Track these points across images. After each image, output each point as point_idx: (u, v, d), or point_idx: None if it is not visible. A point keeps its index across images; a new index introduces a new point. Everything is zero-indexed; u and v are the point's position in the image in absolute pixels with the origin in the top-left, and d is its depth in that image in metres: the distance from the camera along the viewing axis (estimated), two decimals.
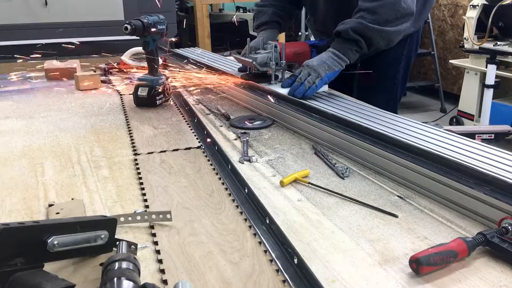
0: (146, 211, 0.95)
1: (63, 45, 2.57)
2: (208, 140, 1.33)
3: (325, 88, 1.59)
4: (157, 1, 3.17)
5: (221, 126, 1.51)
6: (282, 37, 4.69)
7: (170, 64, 2.25)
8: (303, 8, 2.09)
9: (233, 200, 1.00)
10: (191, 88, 1.88)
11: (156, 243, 0.84)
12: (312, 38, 2.60)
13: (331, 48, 1.57)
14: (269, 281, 0.74)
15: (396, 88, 1.89)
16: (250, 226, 0.90)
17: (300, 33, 5.09)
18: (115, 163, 1.21)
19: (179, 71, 2.03)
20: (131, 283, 0.66)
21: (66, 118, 1.60)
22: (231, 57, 2.14)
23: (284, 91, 1.54)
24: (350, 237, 0.87)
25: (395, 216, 0.93)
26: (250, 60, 1.64)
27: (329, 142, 1.30)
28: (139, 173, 1.13)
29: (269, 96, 1.57)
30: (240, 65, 1.85)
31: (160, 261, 0.79)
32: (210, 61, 2.13)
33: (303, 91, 1.49)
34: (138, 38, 1.63)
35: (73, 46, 2.42)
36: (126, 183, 1.10)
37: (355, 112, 1.34)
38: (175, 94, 1.85)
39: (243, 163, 1.21)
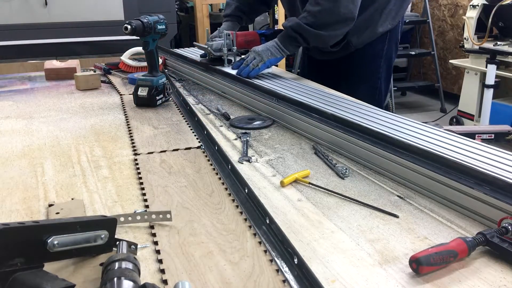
0: (146, 211, 0.95)
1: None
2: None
3: (270, 70, 1.86)
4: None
5: (221, 126, 1.51)
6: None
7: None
8: (274, 7, 2.33)
9: (233, 200, 1.00)
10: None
11: (156, 243, 0.84)
12: None
13: (276, 39, 1.81)
14: (269, 281, 0.74)
15: (380, 83, 1.99)
16: (250, 226, 0.90)
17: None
18: (115, 163, 1.21)
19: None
20: (131, 283, 0.66)
21: (66, 118, 1.60)
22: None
23: (234, 72, 1.81)
24: (350, 237, 0.87)
25: (396, 216, 0.94)
26: (207, 46, 1.94)
27: (329, 142, 1.30)
28: (139, 173, 1.13)
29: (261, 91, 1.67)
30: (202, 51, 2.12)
31: (160, 261, 0.79)
32: (187, 53, 2.32)
33: (248, 72, 1.75)
34: (138, 38, 1.63)
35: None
36: (126, 183, 1.10)
37: (355, 112, 1.34)
38: (175, 94, 1.85)
39: (242, 163, 1.21)
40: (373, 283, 0.74)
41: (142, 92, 1.68)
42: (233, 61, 1.95)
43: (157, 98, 1.68)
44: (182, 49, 2.52)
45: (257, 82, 1.69)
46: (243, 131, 1.44)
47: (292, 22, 1.75)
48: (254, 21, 2.35)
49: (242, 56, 1.91)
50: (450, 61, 4.47)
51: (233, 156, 1.25)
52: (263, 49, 1.78)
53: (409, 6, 4.67)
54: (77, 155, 1.27)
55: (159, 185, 1.07)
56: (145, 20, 1.59)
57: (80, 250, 0.75)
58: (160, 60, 2.00)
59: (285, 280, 0.74)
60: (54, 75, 2.18)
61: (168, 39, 4.11)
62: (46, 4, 3.61)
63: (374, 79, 1.98)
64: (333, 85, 1.91)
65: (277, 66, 2.05)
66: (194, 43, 2.17)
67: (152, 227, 0.89)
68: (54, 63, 2.24)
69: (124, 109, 1.68)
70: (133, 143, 1.34)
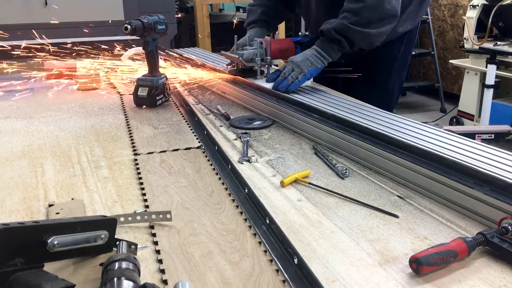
0: (146, 211, 0.95)
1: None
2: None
3: (308, 83, 1.66)
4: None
5: (221, 126, 1.51)
6: (282, 36, 4.70)
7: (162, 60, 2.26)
8: (296, 10, 2.14)
9: (233, 200, 1.00)
10: (181, 83, 1.95)
11: (156, 243, 0.84)
12: None
13: (314, 46, 1.63)
14: (269, 281, 0.74)
15: (392, 86, 1.91)
16: (250, 226, 0.90)
17: (300, 33, 5.10)
18: (115, 163, 1.21)
19: (170, 67, 2.08)
20: (131, 283, 0.66)
21: (66, 118, 1.60)
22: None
23: (269, 86, 1.61)
24: (350, 237, 0.87)
25: (396, 216, 0.93)
26: (237, 56, 1.72)
27: (329, 142, 1.30)
28: (139, 173, 1.13)
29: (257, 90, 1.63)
30: (229, 61, 1.92)
31: (160, 261, 0.79)
32: (203, 58, 2.17)
33: (286, 86, 1.55)
34: (138, 38, 1.63)
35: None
36: (126, 183, 1.10)
37: (355, 112, 1.34)
38: (175, 94, 1.85)
39: (242, 163, 1.21)
40: (373, 283, 0.74)
41: (142, 92, 1.68)
42: (265, 72, 1.76)
43: (157, 98, 1.68)
44: (182, 49, 2.52)
45: (295, 97, 1.51)
46: (243, 131, 1.44)
47: (334, 24, 1.57)
48: (278, 28, 2.13)
49: (278, 68, 1.71)
50: (450, 61, 4.46)
51: (233, 156, 1.25)
52: (302, 59, 1.59)
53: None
54: (77, 155, 1.27)
55: (159, 185, 1.07)
56: (145, 20, 1.59)
57: (80, 250, 0.75)
58: (160, 60, 1.99)
59: (285, 280, 0.74)
60: (54, 75, 2.18)
61: (168, 39, 4.11)
62: (46, 4, 3.61)
63: (387, 82, 1.90)
64: (345, 87, 1.84)
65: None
66: (222, 52, 1.91)
67: (152, 227, 0.89)
68: (54, 63, 2.24)
69: (124, 109, 1.68)
70: (133, 143, 1.34)
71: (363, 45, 1.64)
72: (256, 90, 1.65)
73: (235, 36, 1.84)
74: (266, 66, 1.75)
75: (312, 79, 1.67)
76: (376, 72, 1.88)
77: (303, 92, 1.59)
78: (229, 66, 1.91)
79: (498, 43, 3.75)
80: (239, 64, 1.77)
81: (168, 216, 0.90)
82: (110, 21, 3.63)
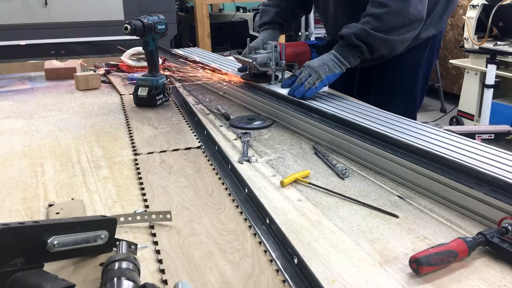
0: (146, 211, 0.95)
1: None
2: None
3: (325, 88, 1.58)
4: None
5: (221, 126, 1.51)
6: (281, 37, 4.70)
7: (168, 64, 2.25)
8: (312, 11, 2.06)
9: (233, 200, 1.00)
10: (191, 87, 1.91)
11: (156, 243, 0.84)
12: (312, 38, 2.58)
13: (333, 51, 1.55)
14: (269, 281, 0.74)
15: (415, 94, 1.82)
16: (250, 226, 0.90)
17: (300, 33, 5.10)
18: (115, 163, 1.21)
19: (179, 71, 2.04)
20: (131, 283, 0.66)
21: (66, 118, 1.60)
22: (231, 57, 2.16)
23: (284, 91, 1.54)
24: (350, 237, 0.87)
25: (396, 216, 0.93)
26: (250, 60, 1.64)
27: (329, 142, 1.30)
28: (139, 173, 1.13)
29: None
30: (240, 65, 1.86)
31: (160, 261, 0.79)
32: (210, 61, 2.13)
33: (303, 92, 1.48)
34: (138, 38, 1.63)
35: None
36: (126, 183, 1.10)
37: (355, 112, 1.35)
38: (175, 94, 1.85)
39: (242, 163, 1.21)
40: (373, 283, 0.74)
41: (142, 92, 1.68)
42: (279, 77, 1.68)
43: (157, 98, 1.68)
44: (182, 49, 2.52)
45: (312, 103, 1.44)
46: (243, 131, 1.44)
47: (355, 29, 1.49)
48: (292, 29, 2.04)
49: (294, 73, 1.62)
50: (450, 61, 4.46)
51: (233, 156, 1.25)
52: (319, 64, 1.50)
53: None
54: (77, 155, 1.27)
55: (159, 185, 1.07)
56: (145, 20, 1.59)
57: (80, 250, 0.75)
58: (160, 60, 1.99)
59: (285, 280, 0.74)
60: (54, 75, 2.18)
61: (168, 39, 4.11)
62: (46, 4, 3.61)
63: (411, 89, 1.80)
64: (363, 94, 1.75)
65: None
66: (234, 56, 1.81)
67: (152, 227, 0.89)
68: (54, 63, 2.24)
69: (124, 109, 1.68)
70: (133, 143, 1.34)
71: (384, 52, 1.56)
72: (271, 95, 1.58)
73: (248, 39, 1.76)
74: (281, 71, 1.67)
75: (328, 85, 1.59)
76: (399, 79, 1.79)
77: (319, 98, 1.52)
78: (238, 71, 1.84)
79: (498, 43, 3.75)
80: (251, 68, 1.69)
81: (168, 216, 0.90)
82: (110, 21, 3.63)
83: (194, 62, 2.11)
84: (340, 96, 1.59)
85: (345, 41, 1.53)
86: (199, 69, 2.03)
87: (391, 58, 1.70)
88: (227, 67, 1.97)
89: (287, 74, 1.67)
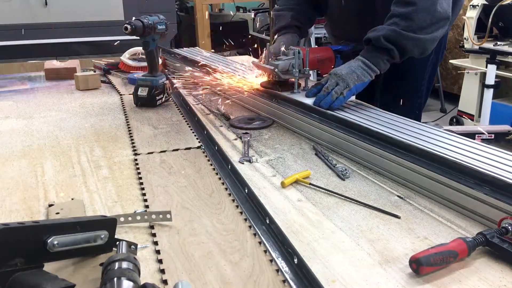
0: (146, 211, 0.95)
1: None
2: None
3: (353, 98, 1.47)
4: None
5: (221, 126, 1.51)
6: None
7: (171, 66, 2.24)
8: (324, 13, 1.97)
9: (233, 200, 1.00)
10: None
11: (156, 243, 0.84)
12: (312, 38, 2.51)
13: (360, 57, 1.45)
14: (269, 281, 0.74)
15: (421, 97, 1.79)
16: (250, 226, 0.90)
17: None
18: (115, 163, 1.21)
19: (190, 76, 1.96)
20: (131, 283, 0.66)
21: (66, 118, 1.60)
22: (250, 62, 1.90)
23: (309, 101, 1.42)
24: (350, 237, 0.87)
25: (397, 217, 0.93)
26: (272, 67, 1.52)
27: (329, 142, 1.30)
28: (139, 173, 1.13)
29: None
30: (258, 71, 1.73)
31: (160, 261, 0.79)
32: (220, 64, 2.00)
33: (330, 102, 1.37)
34: (138, 38, 1.63)
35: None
36: (126, 183, 1.10)
37: (355, 112, 1.34)
38: (175, 94, 1.85)
39: (243, 163, 1.21)
40: (373, 283, 0.74)
41: (142, 92, 1.68)
42: (302, 85, 1.56)
43: (157, 98, 1.68)
44: (182, 49, 2.52)
45: (340, 114, 1.33)
46: (243, 131, 1.44)
47: (384, 31, 1.41)
48: (308, 33, 1.90)
49: (320, 81, 1.48)
50: (450, 61, 4.46)
51: (233, 156, 1.25)
52: (347, 72, 1.40)
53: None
54: (77, 155, 1.27)
55: (159, 185, 1.07)
56: (145, 20, 1.59)
57: (80, 250, 0.75)
58: (160, 60, 1.99)
59: (285, 280, 0.74)
60: (54, 75, 2.18)
61: (168, 39, 4.11)
62: (46, 4, 3.61)
63: (416, 93, 1.76)
64: (367, 95, 1.65)
65: None
66: (253, 62, 1.69)
67: (152, 227, 0.89)
68: (54, 63, 2.24)
69: (124, 109, 1.68)
70: (133, 143, 1.34)
71: (415, 53, 1.46)
72: (294, 106, 1.46)
73: (267, 44, 1.66)
74: (304, 78, 1.55)
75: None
76: (405, 83, 1.75)
77: (347, 108, 1.39)
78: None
79: (498, 43, 3.75)
80: (272, 76, 1.57)
81: (168, 216, 0.90)
82: (110, 21, 3.63)
83: (204, 67, 1.96)
84: (368, 106, 1.45)
85: (373, 45, 1.43)
86: (209, 75, 1.90)
87: (396, 63, 1.60)
88: (238, 71, 1.86)
89: (311, 82, 1.56)
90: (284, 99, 1.51)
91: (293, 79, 1.54)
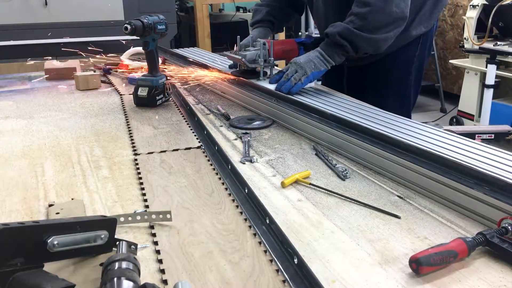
0: (146, 211, 0.95)
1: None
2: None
3: (312, 84, 1.64)
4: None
5: (221, 126, 1.51)
6: (282, 36, 4.69)
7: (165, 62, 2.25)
8: (303, 12, 2.11)
9: (233, 200, 1.00)
10: (182, 83, 1.94)
11: (156, 243, 0.84)
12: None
13: (319, 48, 1.59)
14: (269, 281, 0.74)
15: (409, 92, 1.84)
16: (250, 226, 0.90)
17: (300, 33, 5.10)
18: (115, 163, 1.21)
19: (173, 68, 2.07)
20: (131, 283, 0.66)
21: (66, 118, 1.60)
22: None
23: (272, 87, 1.59)
24: (350, 237, 0.87)
25: (398, 217, 0.93)
26: (240, 57, 1.70)
27: (329, 142, 1.30)
28: (139, 173, 1.13)
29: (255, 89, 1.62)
30: (231, 62, 1.90)
31: (160, 261, 0.79)
32: (204, 59, 2.16)
33: (289, 87, 1.53)
34: (138, 38, 1.63)
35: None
36: (126, 183, 1.10)
37: (355, 112, 1.34)
38: (175, 94, 1.85)
39: (244, 163, 1.21)
40: (373, 283, 0.74)
41: (142, 92, 1.68)
42: (268, 73, 1.74)
43: (157, 98, 1.68)
44: (182, 49, 2.52)
45: (299, 98, 1.48)
46: (243, 131, 1.44)
47: (340, 28, 1.53)
48: (283, 29, 2.15)
49: (281, 69, 1.67)
50: (450, 61, 4.46)
51: (233, 156, 1.25)
52: (305, 61, 1.55)
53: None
54: (77, 155, 1.27)
55: (159, 185, 1.07)
56: (145, 20, 1.59)
57: (80, 250, 0.75)
58: (160, 60, 1.99)
59: (285, 280, 0.74)
60: (54, 75, 2.18)
61: (168, 39, 4.11)
62: (46, 4, 3.61)
63: (404, 87, 1.83)
64: (357, 92, 1.78)
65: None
66: (225, 53, 1.88)
67: (152, 227, 0.89)
68: (54, 63, 2.24)
69: (124, 109, 1.68)
70: (133, 143, 1.34)
71: (369, 50, 1.59)
72: (258, 90, 1.63)
73: (238, 36, 1.81)
74: (270, 67, 1.72)
75: (315, 81, 1.64)
76: (392, 77, 1.82)
77: (305, 93, 1.57)
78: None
79: (498, 43, 3.75)
80: (241, 65, 1.75)
81: (168, 216, 0.90)
82: (110, 21, 3.63)
83: (185, 59, 2.16)
84: (326, 91, 1.64)
85: (330, 39, 1.56)
86: (188, 66, 2.07)
87: (383, 56, 1.73)
88: (219, 64, 2.00)
89: (276, 71, 1.71)
90: (250, 85, 1.69)
91: (259, 68, 1.71)
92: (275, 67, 1.78)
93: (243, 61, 1.69)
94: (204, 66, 2.00)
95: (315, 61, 1.56)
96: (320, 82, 1.99)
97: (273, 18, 1.95)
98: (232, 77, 1.79)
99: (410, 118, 1.64)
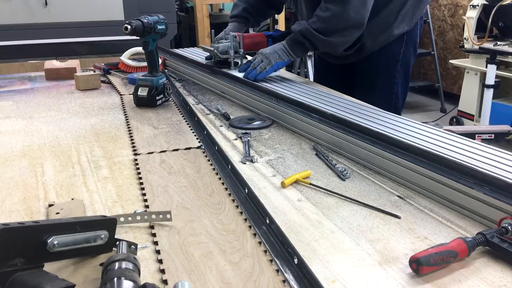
0: (146, 211, 0.95)
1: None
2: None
3: (277, 73, 1.81)
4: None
5: (221, 126, 1.51)
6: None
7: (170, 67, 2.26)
8: (281, 11, 2.26)
9: (233, 200, 1.00)
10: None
11: (156, 243, 0.84)
12: None
13: (284, 42, 1.75)
14: (269, 281, 0.74)
15: (396, 88, 1.90)
16: (250, 226, 0.90)
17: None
18: (115, 163, 1.21)
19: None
20: (131, 283, 0.66)
21: (66, 118, 1.60)
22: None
23: (241, 75, 1.75)
24: (350, 237, 0.87)
25: (398, 217, 0.93)
26: (212, 49, 1.88)
27: (329, 142, 1.30)
28: (139, 173, 1.13)
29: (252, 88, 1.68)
30: (207, 53, 2.07)
31: (160, 261, 0.79)
32: (187, 53, 2.29)
33: (255, 75, 1.69)
34: (138, 38, 1.63)
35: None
36: (126, 183, 1.10)
37: (355, 112, 1.34)
38: (175, 94, 1.85)
39: (245, 163, 1.21)
40: (373, 283, 0.74)
41: (142, 92, 1.68)
42: (239, 63, 1.88)
43: (157, 98, 1.68)
44: (182, 49, 2.52)
45: (265, 85, 1.64)
46: (243, 131, 1.44)
47: (301, 27, 1.69)
48: (260, 24, 2.25)
49: (249, 59, 1.84)
50: (450, 61, 4.46)
51: (233, 156, 1.25)
52: (270, 52, 1.73)
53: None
54: (77, 155, 1.27)
55: (159, 185, 1.07)
56: (145, 20, 1.59)
57: (80, 250, 0.75)
58: (160, 60, 1.99)
59: (285, 280, 0.74)
60: (54, 75, 2.18)
61: (168, 39, 4.11)
62: (46, 4, 3.61)
63: (391, 84, 1.90)
64: (348, 89, 1.86)
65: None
66: (200, 45, 2.10)
67: (152, 227, 0.89)
68: (54, 63, 2.24)
69: (124, 109, 1.68)
70: (133, 143, 1.34)
71: (325, 51, 1.80)
72: (228, 78, 1.81)
73: (212, 30, 2.03)
74: (240, 58, 1.87)
75: (280, 70, 1.83)
76: (378, 75, 1.89)
77: (271, 81, 1.73)
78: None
79: (498, 43, 3.75)
80: (215, 56, 1.90)
81: (168, 216, 0.90)
82: (110, 21, 3.63)
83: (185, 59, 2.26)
84: (291, 79, 1.77)
85: (293, 35, 1.72)
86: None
87: (369, 54, 1.84)
88: (198, 57, 2.17)
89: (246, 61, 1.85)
90: (222, 74, 1.86)
91: (230, 58, 1.87)
92: (246, 57, 1.94)
93: (215, 52, 1.86)
94: (182, 58, 2.18)
95: (279, 52, 1.73)
96: (312, 78, 2.09)
97: (249, 14, 2.09)
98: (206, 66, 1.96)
99: (399, 114, 1.74)
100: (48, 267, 0.71)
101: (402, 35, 1.83)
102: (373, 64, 1.88)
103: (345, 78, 2.00)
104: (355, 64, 1.92)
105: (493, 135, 1.69)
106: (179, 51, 2.40)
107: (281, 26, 4.90)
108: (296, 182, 1.09)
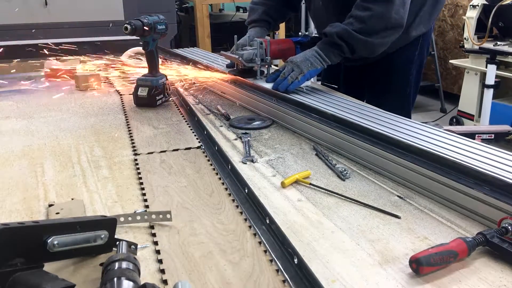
0: (146, 211, 0.95)
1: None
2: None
3: (308, 83, 1.65)
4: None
5: (221, 126, 1.51)
6: (282, 35, 4.69)
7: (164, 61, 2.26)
8: (298, 10, 2.15)
9: (233, 200, 1.00)
10: (183, 83, 1.96)
11: (156, 243, 0.84)
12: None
13: (316, 47, 1.61)
14: (269, 281, 0.74)
15: (409, 91, 1.86)
16: (250, 226, 0.90)
17: (300, 33, 5.10)
18: (115, 163, 1.21)
19: (171, 67, 2.08)
20: (131, 283, 0.66)
21: (66, 118, 1.60)
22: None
23: (269, 86, 1.60)
24: (350, 237, 0.87)
25: (398, 217, 0.93)
26: (237, 57, 1.70)
27: (329, 142, 1.30)
28: (139, 173, 1.13)
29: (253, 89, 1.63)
30: (228, 61, 1.91)
31: (160, 261, 0.79)
32: (203, 58, 2.17)
33: (286, 86, 1.55)
34: (138, 38, 1.63)
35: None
36: (126, 183, 1.10)
37: (355, 112, 1.34)
38: (175, 94, 1.85)
39: (245, 163, 1.21)
40: (373, 283, 0.74)
41: (142, 92, 1.68)
42: (265, 72, 1.74)
43: (157, 98, 1.68)
44: (182, 49, 2.52)
45: (296, 97, 1.50)
46: (243, 131, 1.44)
47: (338, 28, 1.55)
48: (279, 27, 2.11)
49: (278, 68, 1.70)
50: (450, 61, 4.46)
51: (233, 156, 1.25)
52: (302, 60, 1.57)
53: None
54: (77, 155, 1.27)
55: (159, 185, 1.07)
56: (145, 20, 1.59)
57: (80, 250, 0.75)
58: (160, 60, 1.99)
59: (285, 280, 0.74)
60: (54, 75, 2.18)
61: (168, 39, 4.11)
62: (46, 4, 3.61)
63: (404, 87, 1.84)
64: (355, 91, 1.80)
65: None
66: (222, 52, 1.90)
67: (152, 227, 0.89)
68: (54, 63, 2.24)
69: (124, 109, 1.68)
70: (133, 143, 1.34)
71: (364, 53, 1.61)
72: (256, 90, 1.64)
73: (235, 36, 1.82)
74: (266, 66, 1.73)
75: (312, 80, 1.66)
76: (392, 77, 1.84)
77: (302, 92, 1.59)
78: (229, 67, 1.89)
79: (498, 43, 3.75)
80: (239, 64, 1.75)
81: (168, 216, 0.90)
82: (110, 21, 3.62)
83: (186, 59, 2.17)
84: (322, 90, 1.66)
85: (328, 39, 1.59)
86: (188, 66, 2.08)
87: (383, 57, 1.74)
88: (217, 64, 2.01)
89: (273, 70, 1.72)
90: (247, 84, 1.69)
91: (256, 67, 1.71)
92: (272, 66, 1.78)
93: (240, 60, 1.70)
94: (203, 66, 2.00)
95: (311, 59, 1.58)
96: (319, 82, 2.01)
97: (269, 17, 1.96)
98: (230, 76, 1.79)
99: (410, 117, 1.66)
100: (48, 267, 0.71)
101: (418, 37, 1.78)
102: (386, 66, 1.81)
103: (353, 80, 1.94)
104: (367, 67, 1.85)
105: (493, 135, 1.69)
106: (179, 51, 2.40)
107: (281, 29, 4.89)
108: (296, 182, 1.09)
